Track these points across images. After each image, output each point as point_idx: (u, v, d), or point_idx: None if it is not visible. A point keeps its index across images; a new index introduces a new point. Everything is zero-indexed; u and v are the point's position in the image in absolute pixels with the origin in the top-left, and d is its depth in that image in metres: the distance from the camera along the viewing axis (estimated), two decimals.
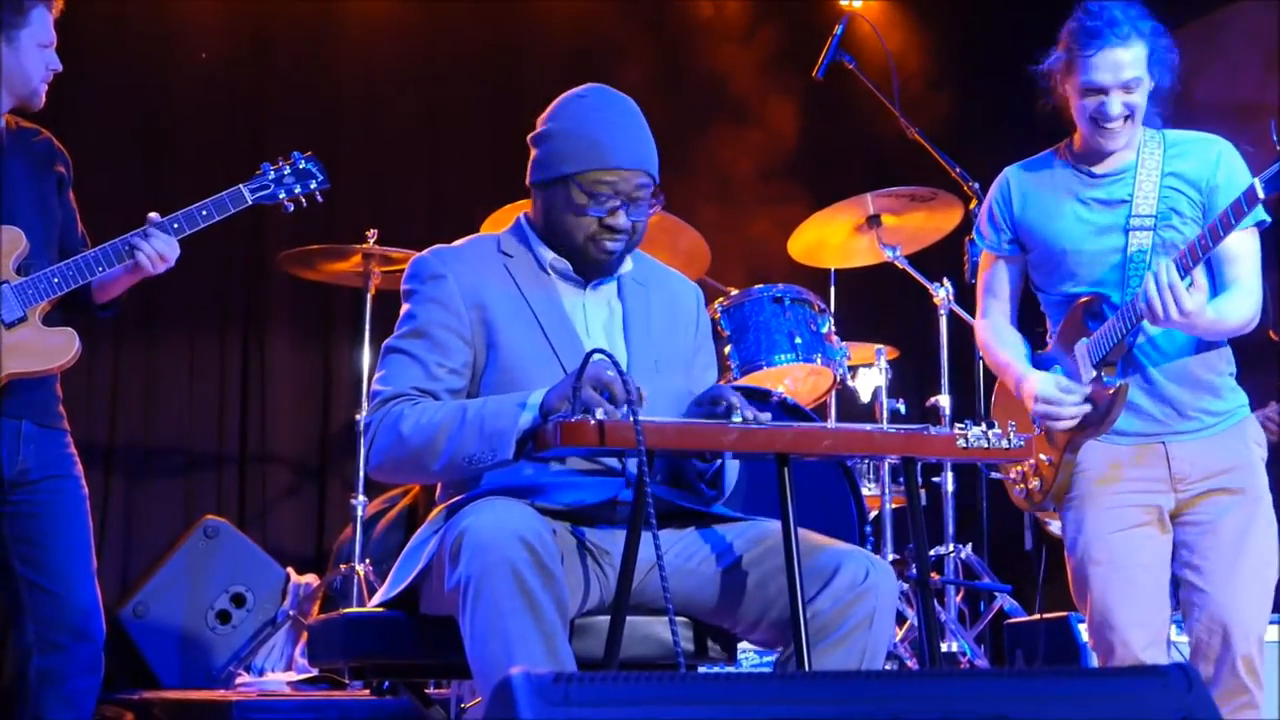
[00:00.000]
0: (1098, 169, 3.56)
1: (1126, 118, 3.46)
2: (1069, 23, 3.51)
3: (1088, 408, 3.47)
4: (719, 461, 2.91)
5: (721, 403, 2.78)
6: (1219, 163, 3.51)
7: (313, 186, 3.89)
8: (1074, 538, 3.54)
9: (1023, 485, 3.64)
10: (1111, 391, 3.44)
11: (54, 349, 3.54)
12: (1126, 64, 3.41)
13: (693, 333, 3.14)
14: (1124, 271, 3.48)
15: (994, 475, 3.76)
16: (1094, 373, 3.48)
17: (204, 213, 3.68)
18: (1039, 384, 3.52)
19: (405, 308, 2.98)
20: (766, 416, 2.75)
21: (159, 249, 3.59)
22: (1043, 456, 3.56)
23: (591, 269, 2.99)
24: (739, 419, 2.69)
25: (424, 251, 3.02)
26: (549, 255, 2.99)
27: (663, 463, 2.96)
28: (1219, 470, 3.47)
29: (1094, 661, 3.53)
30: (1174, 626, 3.70)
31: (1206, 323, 3.39)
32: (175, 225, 3.64)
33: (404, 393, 2.86)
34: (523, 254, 3.01)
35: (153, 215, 3.65)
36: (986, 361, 3.79)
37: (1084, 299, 3.53)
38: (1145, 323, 3.39)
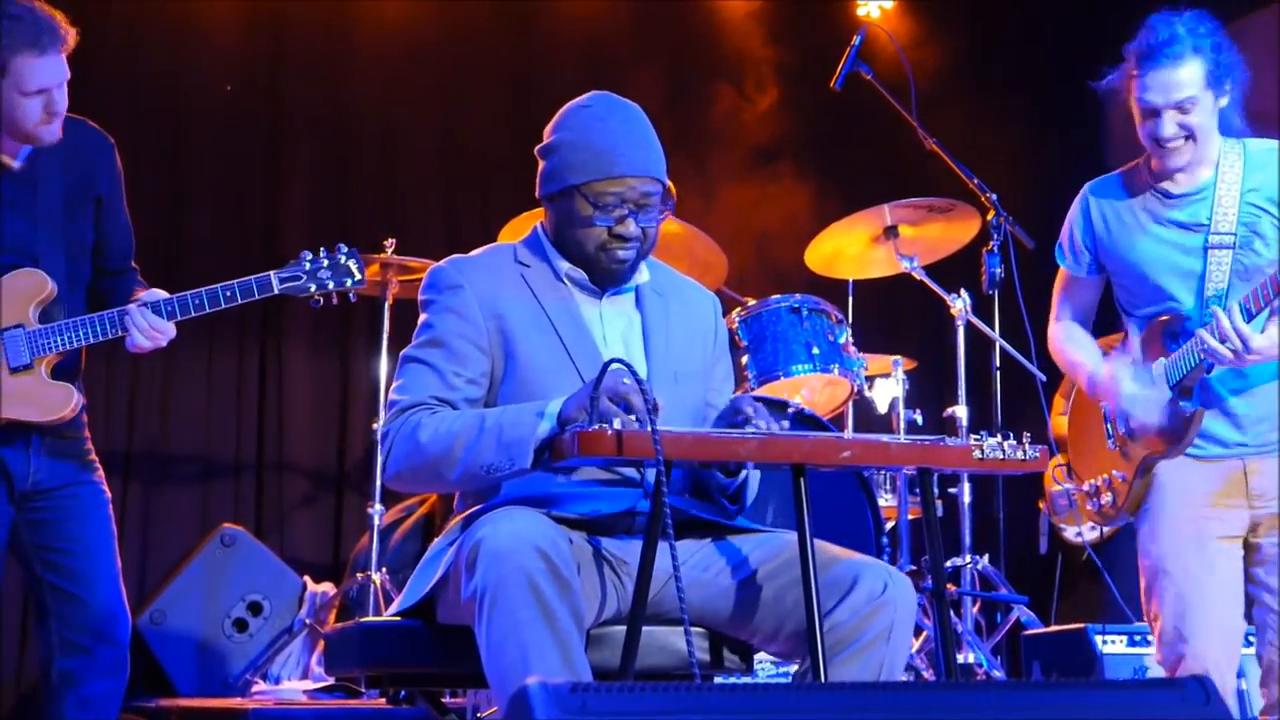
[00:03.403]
0: (1175, 189, 3.49)
1: (1186, 138, 3.38)
2: (1136, 38, 3.43)
3: (1168, 397, 3.42)
4: (742, 476, 2.90)
5: (739, 414, 2.78)
6: None
7: (348, 285, 3.74)
8: (1148, 548, 3.51)
9: (1095, 499, 3.61)
10: (1188, 416, 3.41)
11: (51, 402, 3.53)
12: (1177, 84, 3.33)
13: (711, 344, 3.13)
14: (1201, 295, 3.43)
15: (1062, 486, 3.75)
16: (1170, 395, 3.44)
17: (227, 294, 3.62)
18: (1120, 371, 3.48)
19: (423, 317, 2.98)
20: (783, 425, 2.74)
21: (139, 340, 3.53)
22: (1117, 473, 3.55)
23: (605, 278, 2.99)
24: (751, 429, 2.68)
25: (441, 261, 3.03)
26: (564, 265, 2.99)
27: (685, 476, 2.95)
28: None
29: (1156, 671, 3.49)
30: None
31: None
32: (169, 309, 3.55)
33: (422, 402, 2.86)
34: (539, 264, 3.01)
35: (144, 294, 3.59)
36: (1058, 362, 3.76)
37: (1163, 318, 3.49)
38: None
